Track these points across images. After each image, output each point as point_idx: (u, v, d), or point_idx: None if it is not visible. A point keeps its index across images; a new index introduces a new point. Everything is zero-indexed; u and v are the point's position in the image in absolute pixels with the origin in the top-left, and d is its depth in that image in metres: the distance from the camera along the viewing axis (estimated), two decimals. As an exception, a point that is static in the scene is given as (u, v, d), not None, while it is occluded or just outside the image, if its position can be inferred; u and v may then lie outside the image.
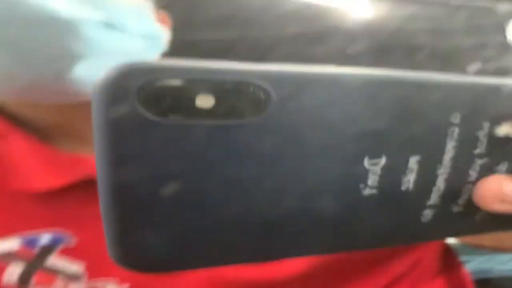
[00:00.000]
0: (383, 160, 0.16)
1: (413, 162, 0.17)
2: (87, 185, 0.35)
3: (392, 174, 0.17)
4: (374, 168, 0.16)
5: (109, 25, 0.33)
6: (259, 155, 0.15)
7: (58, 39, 0.31)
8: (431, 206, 0.18)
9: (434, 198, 0.17)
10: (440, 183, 0.17)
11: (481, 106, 0.17)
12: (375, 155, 0.16)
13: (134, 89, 0.14)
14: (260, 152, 0.15)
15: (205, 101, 0.14)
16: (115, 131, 0.14)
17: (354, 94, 0.15)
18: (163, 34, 0.39)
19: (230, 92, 0.14)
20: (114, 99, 0.14)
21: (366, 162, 0.16)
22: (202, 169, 0.15)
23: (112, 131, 0.14)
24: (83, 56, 0.32)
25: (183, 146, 0.14)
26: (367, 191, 0.16)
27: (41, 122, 0.38)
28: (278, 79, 0.15)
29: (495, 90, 0.17)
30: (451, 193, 0.18)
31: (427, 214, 0.18)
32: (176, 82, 0.14)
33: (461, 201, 0.18)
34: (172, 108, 0.14)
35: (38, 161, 0.36)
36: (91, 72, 0.33)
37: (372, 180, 0.16)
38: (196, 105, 0.14)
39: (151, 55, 0.38)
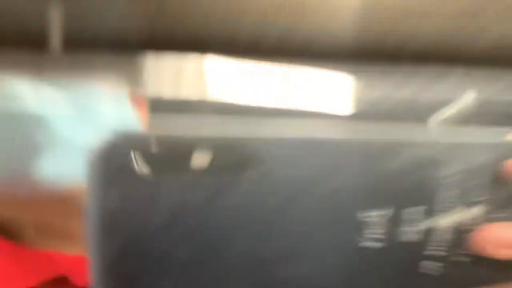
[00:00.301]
0: (380, 212, 0.17)
1: (407, 213, 0.17)
2: (59, 283, 0.35)
3: (391, 225, 0.17)
4: (371, 220, 0.17)
5: (80, 118, 0.33)
6: (251, 212, 0.16)
7: (27, 134, 0.31)
8: (431, 257, 0.18)
9: (433, 248, 0.17)
10: (437, 233, 0.17)
11: (475, 160, 0.17)
12: (369, 208, 0.17)
13: (133, 155, 0.15)
14: (253, 209, 0.16)
15: (200, 162, 0.15)
16: (114, 192, 0.15)
17: (341, 157, 0.16)
18: (136, 121, 0.39)
19: (224, 155, 0.15)
20: (115, 164, 0.15)
21: (360, 215, 0.17)
22: (201, 222, 0.16)
23: (111, 192, 0.15)
24: (51, 151, 0.32)
25: (179, 202, 0.15)
26: (366, 244, 0.17)
27: (13, 219, 0.38)
28: (271, 145, 0.16)
29: (489, 145, 0.17)
30: (452, 243, 0.18)
31: (431, 265, 0.18)
32: (172, 150, 0.15)
33: (463, 250, 0.18)
34: (169, 169, 0.15)
35: (10, 261, 0.36)
36: (59, 166, 0.33)
37: (370, 232, 0.17)
38: (191, 166, 0.15)
39: None
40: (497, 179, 0.17)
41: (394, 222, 0.17)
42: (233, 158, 0.16)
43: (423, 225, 0.17)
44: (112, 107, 0.36)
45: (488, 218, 0.17)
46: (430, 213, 0.17)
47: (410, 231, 0.17)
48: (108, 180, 0.15)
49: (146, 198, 0.15)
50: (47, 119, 0.32)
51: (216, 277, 0.16)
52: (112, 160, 0.15)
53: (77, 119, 0.34)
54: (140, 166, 0.15)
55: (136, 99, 0.41)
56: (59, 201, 0.34)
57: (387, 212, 0.17)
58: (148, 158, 0.15)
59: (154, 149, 0.15)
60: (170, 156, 0.15)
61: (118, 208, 0.15)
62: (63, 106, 0.33)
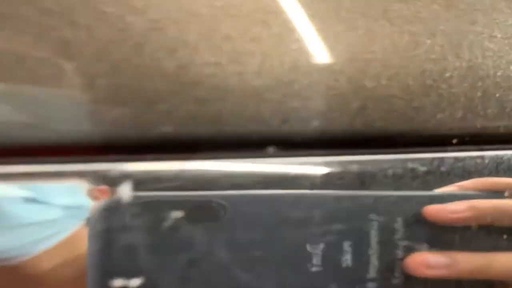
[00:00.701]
0: (321, 245, 0.22)
1: (347, 245, 0.22)
2: None
3: (332, 254, 0.22)
4: (316, 251, 0.22)
5: (32, 200, 0.37)
6: (216, 253, 0.21)
7: None
8: (372, 279, 0.22)
9: (372, 273, 0.22)
10: (374, 261, 0.22)
11: (393, 209, 0.23)
12: (315, 242, 0.22)
13: (125, 212, 0.20)
14: (217, 250, 0.21)
15: (176, 215, 0.21)
16: (109, 242, 0.20)
17: (284, 209, 0.22)
18: (89, 205, 0.42)
19: (196, 208, 0.21)
20: (109, 219, 0.20)
21: (308, 247, 0.22)
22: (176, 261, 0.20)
23: (106, 242, 0.20)
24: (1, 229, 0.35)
25: (160, 245, 0.20)
26: (314, 269, 0.22)
27: None
28: (232, 199, 0.21)
29: (405, 198, 0.23)
30: (387, 268, 0.22)
31: (371, 287, 0.22)
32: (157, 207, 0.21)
33: (397, 274, 0.23)
34: (149, 223, 0.20)
35: None
36: (7, 243, 0.36)
37: (316, 260, 0.22)
38: (168, 220, 0.20)
39: (72, 225, 0.41)
40: (415, 222, 0.23)
41: (335, 252, 0.22)
42: (202, 212, 0.21)
43: (361, 254, 0.22)
44: (65, 196, 0.40)
45: (415, 249, 0.23)
46: (364, 246, 0.22)
47: (350, 259, 0.22)
48: (103, 234, 0.20)
49: (132, 245, 0.20)
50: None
51: None
52: (106, 219, 0.20)
53: (29, 203, 0.37)
54: (128, 222, 0.20)
55: (98, 191, 0.46)
56: (5, 274, 0.38)
57: (331, 243, 0.22)
58: (134, 216, 0.20)
59: (137, 209, 0.20)
60: (150, 214, 0.20)
61: (110, 254, 0.20)
62: (15, 193, 0.36)
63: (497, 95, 0.36)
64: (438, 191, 0.25)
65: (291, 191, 0.22)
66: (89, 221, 0.20)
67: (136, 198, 0.20)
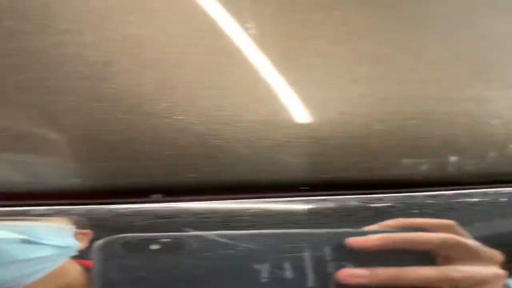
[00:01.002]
0: (266, 265, 0.29)
1: (288, 265, 0.30)
2: None
3: (276, 270, 0.30)
4: (262, 267, 0.29)
5: (27, 241, 0.41)
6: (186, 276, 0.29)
7: None
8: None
9: (311, 283, 0.30)
10: (311, 274, 0.30)
11: (326, 241, 0.31)
12: (260, 262, 0.30)
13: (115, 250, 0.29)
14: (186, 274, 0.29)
15: (155, 247, 0.29)
16: (108, 271, 0.29)
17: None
18: (75, 245, 0.45)
19: (168, 244, 0.29)
20: (107, 257, 0.29)
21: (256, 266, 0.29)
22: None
23: (106, 271, 0.29)
24: None
25: (145, 274, 0.29)
26: (263, 280, 0.29)
27: None
28: (186, 239, 0.30)
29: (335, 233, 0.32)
30: (323, 280, 0.30)
31: None
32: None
33: (331, 283, 0.30)
34: (137, 255, 0.29)
35: None
36: (2, 277, 0.40)
37: (264, 273, 0.29)
38: (150, 251, 0.29)
39: (61, 259, 0.44)
40: (343, 249, 0.31)
41: (281, 269, 0.29)
42: (175, 246, 0.29)
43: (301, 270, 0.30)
44: (55, 237, 0.44)
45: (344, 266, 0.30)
46: (303, 265, 0.30)
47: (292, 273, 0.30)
48: (103, 264, 0.29)
49: (126, 273, 0.29)
50: None
51: None
52: (104, 253, 0.29)
53: (23, 243, 0.41)
54: (119, 255, 0.29)
55: (82, 233, 0.46)
56: None
57: (274, 264, 0.29)
58: (125, 251, 0.29)
59: (127, 246, 0.29)
60: (137, 248, 0.29)
61: (111, 279, 0.29)
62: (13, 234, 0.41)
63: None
64: (364, 228, 0.33)
65: (232, 232, 0.31)
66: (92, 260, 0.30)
67: (123, 237, 0.29)
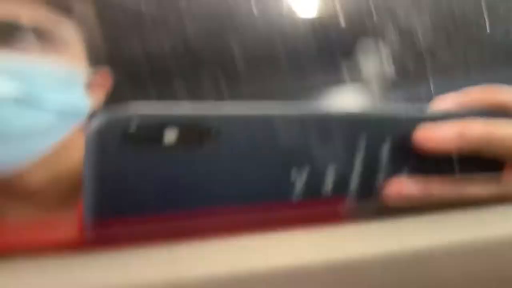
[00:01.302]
0: (307, 168, 0.22)
1: (331, 169, 0.22)
2: None
3: (314, 183, 0.22)
4: (299, 177, 0.22)
5: (23, 102, 0.34)
6: (213, 173, 0.21)
7: None
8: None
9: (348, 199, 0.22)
10: (354, 185, 0.22)
11: (380, 130, 0.23)
12: (300, 166, 0.22)
13: (120, 132, 0.19)
14: (213, 171, 0.21)
15: (171, 137, 0.20)
16: (104, 163, 0.19)
17: (278, 128, 0.22)
18: (85, 105, 0.39)
19: (191, 130, 0.20)
20: (104, 140, 0.19)
21: (293, 172, 0.22)
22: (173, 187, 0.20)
23: (102, 163, 0.19)
24: None
25: (156, 171, 0.20)
26: (294, 199, 0.22)
27: None
28: (225, 119, 0.21)
29: (391, 117, 0.23)
30: (364, 193, 0.23)
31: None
32: (149, 125, 0.20)
33: (374, 198, 0.23)
34: (146, 143, 0.19)
35: None
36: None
37: (298, 189, 0.22)
38: (163, 140, 0.20)
39: (66, 129, 0.38)
40: (401, 146, 0.23)
41: (320, 177, 0.22)
42: (196, 132, 0.20)
43: (342, 180, 0.22)
44: (60, 92, 0.36)
45: (392, 174, 0.23)
46: (347, 170, 0.23)
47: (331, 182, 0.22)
48: (99, 154, 0.19)
49: (129, 167, 0.19)
50: None
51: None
52: (102, 137, 0.19)
53: (19, 105, 0.34)
54: (122, 142, 0.19)
55: (98, 78, 0.42)
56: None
57: (315, 169, 0.22)
58: (129, 135, 0.19)
59: (133, 127, 0.19)
60: (146, 133, 0.19)
61: (108, 175, 0.19)
62: (5, 91, 0.34)
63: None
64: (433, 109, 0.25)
65: (285, 111, 0.22)
66: (85, 142, 0.19)
67: (131, 115, 0.19)
